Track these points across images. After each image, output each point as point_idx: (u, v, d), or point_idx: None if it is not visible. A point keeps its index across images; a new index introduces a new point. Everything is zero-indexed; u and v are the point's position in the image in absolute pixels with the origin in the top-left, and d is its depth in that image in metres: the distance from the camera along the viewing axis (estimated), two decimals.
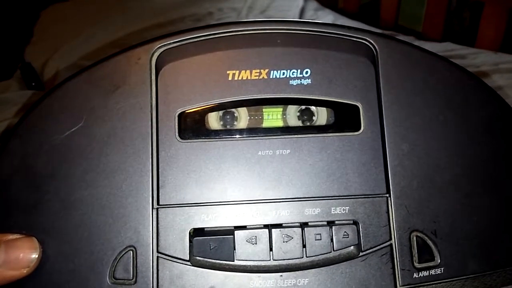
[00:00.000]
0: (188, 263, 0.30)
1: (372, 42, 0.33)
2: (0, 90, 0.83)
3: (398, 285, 0.31)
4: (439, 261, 0.31)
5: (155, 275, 0.30)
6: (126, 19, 1.03)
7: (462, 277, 0.31)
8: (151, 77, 0.33)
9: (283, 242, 0.31)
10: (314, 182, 0.32)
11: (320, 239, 0.31)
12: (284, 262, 0.31)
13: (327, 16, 1.08)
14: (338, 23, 1.07)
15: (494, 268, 0.32)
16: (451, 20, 1.13)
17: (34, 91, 0.82)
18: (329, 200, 0.32)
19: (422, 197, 0.32)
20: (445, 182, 0.33)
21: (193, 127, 0.33)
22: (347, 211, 0.32)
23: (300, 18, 1.05)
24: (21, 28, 1.05)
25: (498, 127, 0.34)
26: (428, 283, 0.31)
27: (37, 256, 0.28)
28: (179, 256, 0.30)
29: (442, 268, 0.31)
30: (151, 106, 0.32)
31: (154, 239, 0.30)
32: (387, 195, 0.32)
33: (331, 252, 0.31)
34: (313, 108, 0.35)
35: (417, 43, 0.97)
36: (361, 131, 0.33)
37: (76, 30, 1.02)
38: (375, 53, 0.33)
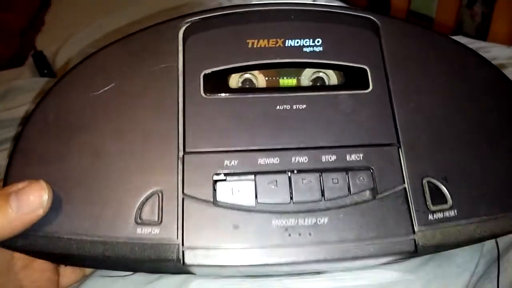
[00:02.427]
0: (212, 204, 0.32)
1: (375, 19, 0.37)
2: (12, 77, 0.84)
3: (415, 226, 0.32)
4: (451, 203, 0.33)
5: (180, 215, 0.31)
6: (138, 8, 1.04)
7: (474, 219, 0.33)
8: (178, 47, 0.36)
9: (302, 185, 0.32)
10: (330, 132, 0.34)
11: (337, 183, 0.32)
12: (304, 206, 0.32)
13: None
14: None
15: (506, 211, 0.33)
16: (462, 16, 1.13)
17: (47, 78, 0.84)
18: (344, 148, 0.34)
19: (431, 148, 0.34)
20: (452, 136, 0.35)
21: (216, 85, 0.35)
22: (361, 158, 0.33)
23: None
24: (32, 16, 1.07)
25: (494, 88, 0.37)
26: (443, 224, 0.32)
27: (47, 196, 0.29)
28: (203, 198, 0.32)
29: (455, 210, 0.32)
30: (178, 69, 0.35)
31: (179, 183, 0.32)
32: (398, 145, 0.34)
33: (348, 195, 0.32)
34: (324, 76, 0.37)
35: None
36: (370, 89, 0.36)
37: (88, 19, 1.03)
38: (378, 27, 0.37)
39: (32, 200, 0.29)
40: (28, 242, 0.30)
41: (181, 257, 0.30)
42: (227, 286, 0.36)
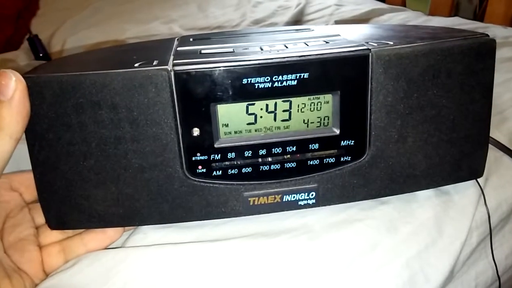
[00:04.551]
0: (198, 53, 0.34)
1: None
2: (8, 61, 0.84)
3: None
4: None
5: (171, 59, 0.33)
6: None
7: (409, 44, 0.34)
8: None
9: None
10: None
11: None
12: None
13: None
14: None
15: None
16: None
17: (43, 62, 0.83)
18: None
19: None
20: None
21: None
22: None
23: None
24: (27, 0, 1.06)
25: None
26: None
27: (14, 78, 0.30)
28: (192, 50, 0.35)
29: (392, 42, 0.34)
30: None
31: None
32: None
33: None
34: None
35: (424, 18, 0.99)
36: None
37: (83, 3, 1.03)
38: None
39: (4, 84, 0.30)
40: (43, 78, 0.31)
41: (172, 76, 0.31)
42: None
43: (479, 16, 1.20)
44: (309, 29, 0.41)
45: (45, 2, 1.09)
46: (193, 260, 0.35)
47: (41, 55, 0.87)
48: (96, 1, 1.05)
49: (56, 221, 0.35)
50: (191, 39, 0.39)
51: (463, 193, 0.40)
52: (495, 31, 0.85)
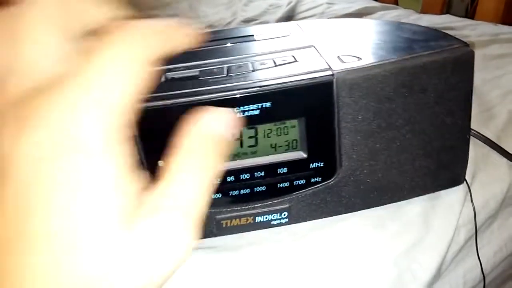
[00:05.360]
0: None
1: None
2: None
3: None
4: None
5: None
6: None
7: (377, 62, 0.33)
8: None
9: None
10: None
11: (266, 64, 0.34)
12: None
13: None
14: None
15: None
16: None
17: None
18: None
19: None
20: None
21: None
22: None
23: None
24: None
25: None
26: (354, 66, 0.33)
27: None
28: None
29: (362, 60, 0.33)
30: None
31: None
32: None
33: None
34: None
35: (416, 16, 0.98)
36: None
37: None
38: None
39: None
40: None
41: None
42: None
43: (470, 13, 1.20)
44: (287, 35, 0.40)
45: None
46: (180, 269, 0.35)
47: None
48: None
49: None
50: None
51: (451, 190, 0.40)
52: (486, 28, 0.85)
